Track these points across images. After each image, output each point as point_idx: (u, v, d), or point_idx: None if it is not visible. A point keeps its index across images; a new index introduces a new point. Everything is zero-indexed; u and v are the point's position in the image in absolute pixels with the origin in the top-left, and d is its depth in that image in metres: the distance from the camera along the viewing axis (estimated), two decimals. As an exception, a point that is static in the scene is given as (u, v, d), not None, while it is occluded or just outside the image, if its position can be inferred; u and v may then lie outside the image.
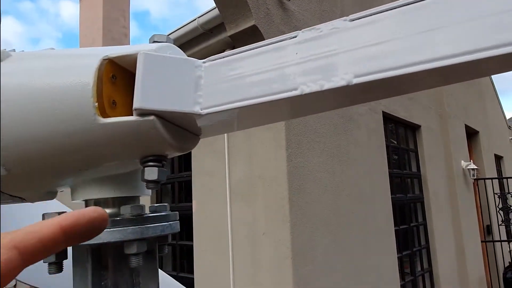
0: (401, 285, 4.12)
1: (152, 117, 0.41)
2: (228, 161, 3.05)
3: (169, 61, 0.43)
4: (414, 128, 5.22)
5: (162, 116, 0.42)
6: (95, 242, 0.43)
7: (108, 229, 0.43)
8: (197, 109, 0.42)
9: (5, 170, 0.44)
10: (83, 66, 0.43)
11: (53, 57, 0.45)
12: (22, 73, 0.44)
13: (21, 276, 0.82)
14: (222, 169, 3.07)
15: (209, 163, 3.21)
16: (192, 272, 3.24)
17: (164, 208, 0.54)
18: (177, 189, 3.64)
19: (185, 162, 3.55)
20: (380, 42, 0.34)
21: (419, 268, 4.90)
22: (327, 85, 0.36)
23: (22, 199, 0.50)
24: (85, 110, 0.41)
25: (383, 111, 4.24)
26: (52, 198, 0.52)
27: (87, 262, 0.45)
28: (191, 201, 3.31)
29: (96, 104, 0.41)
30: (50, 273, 0.45)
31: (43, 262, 0.45)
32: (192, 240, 3.26)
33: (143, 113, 0.41)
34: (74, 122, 0.41)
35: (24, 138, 0.43)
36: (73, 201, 0.49)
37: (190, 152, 3.37)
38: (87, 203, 0.49)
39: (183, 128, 0.47)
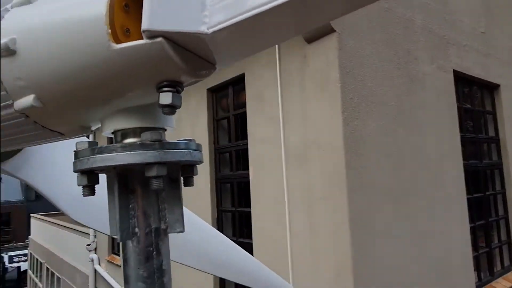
0: (473, 257, 3.86)
1: (160, 39, 0.41)
2: (283, 127, 3.04)
3: (176, -17, 0.43)
4: (491, 88, 4.70)
5: (171, 38, 0.43)
6: (117, 163, 0.45)
7: (129, 152, 0.45)
8: (203, 28, 0.41)
9: (40, 103, 0.48)
10: None
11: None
12: (45, 13, 0.47)
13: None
14: (278, 135, 3.07)
15: (265, 130, 3.23)
16: (251, 237, 3.36)
17: (189, 141, 0.55)
18: (234, 158, 3.75)
19: (242, 130, 3.61)
20: None
21: (496, 240, 4.54)
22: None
23: (61, 134, 0.55)
24: (100, 38, 0.43)
25: (454, 70, 3.87)
26: (86, 133, 0.56)
27: (114, 185, 0.48)
28: (248, 169, 3.39)
29: (109, 31, 0.42)
30: (84, 195, 0.49)
31: (78, 186, 0.49)
32: (250, 206, 3.36)
33: (151, 35, 0.41)
34: (92, 52, 0.44)
35: (52, 72, 0.46)
36: (103, 134, 0.52)
37: (246, 120, 3.41)
38: (115, 134, 0.51)
39: (196, 55, 0.47)
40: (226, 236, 1.25)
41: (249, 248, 3.34)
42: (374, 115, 2.87)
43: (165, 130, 0.55)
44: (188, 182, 0.57)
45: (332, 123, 2.67)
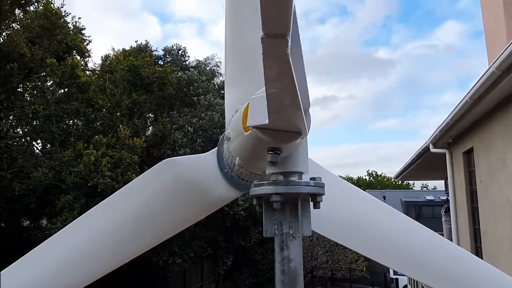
0: None
1: (253, 129, 0.79)
2: None
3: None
4: None
5: (262, 127, 0.79)
6: (255, 193, 0.84)
7: (260, 187, 0.84)
8: (265, 121, 0.75)
9: (241, 160, 0.96)
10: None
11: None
12: (233, 119, 0.96)
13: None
14: None
15: None
16: None
17: (313, 179, 0.85)
18: None
19: None
20: None
21: None
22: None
23: (259, 175, 1.00)
24: (241, 131, 0.86)
25: None
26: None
27: (262, 208, 0.87)
28: None
29: (243, 126, 0.85)
30: (257, 210, 0.91)
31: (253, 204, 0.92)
32: None
33: (251, 127, 0.80)
34: (241, 133, 0.87)
35: (237, 147, 0.93)
36: (267, 174, 0.92)
37: None
38: (269, 177, 0.90)
39: (285, 131, 0.79)
40: None
41: None
42: None
43: (300, 172, 0.88)
44: (315, 206, 0.86)
45: None
